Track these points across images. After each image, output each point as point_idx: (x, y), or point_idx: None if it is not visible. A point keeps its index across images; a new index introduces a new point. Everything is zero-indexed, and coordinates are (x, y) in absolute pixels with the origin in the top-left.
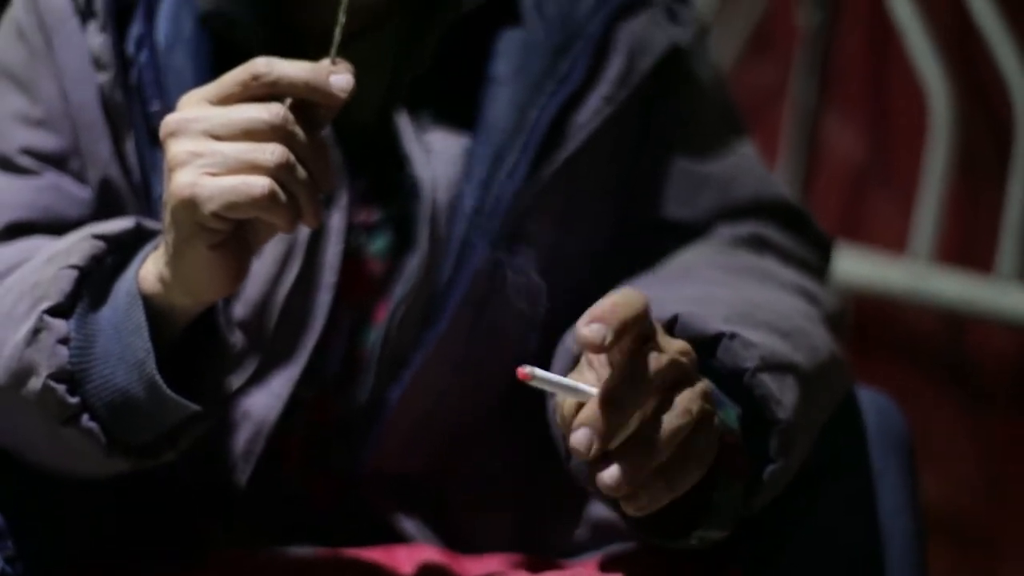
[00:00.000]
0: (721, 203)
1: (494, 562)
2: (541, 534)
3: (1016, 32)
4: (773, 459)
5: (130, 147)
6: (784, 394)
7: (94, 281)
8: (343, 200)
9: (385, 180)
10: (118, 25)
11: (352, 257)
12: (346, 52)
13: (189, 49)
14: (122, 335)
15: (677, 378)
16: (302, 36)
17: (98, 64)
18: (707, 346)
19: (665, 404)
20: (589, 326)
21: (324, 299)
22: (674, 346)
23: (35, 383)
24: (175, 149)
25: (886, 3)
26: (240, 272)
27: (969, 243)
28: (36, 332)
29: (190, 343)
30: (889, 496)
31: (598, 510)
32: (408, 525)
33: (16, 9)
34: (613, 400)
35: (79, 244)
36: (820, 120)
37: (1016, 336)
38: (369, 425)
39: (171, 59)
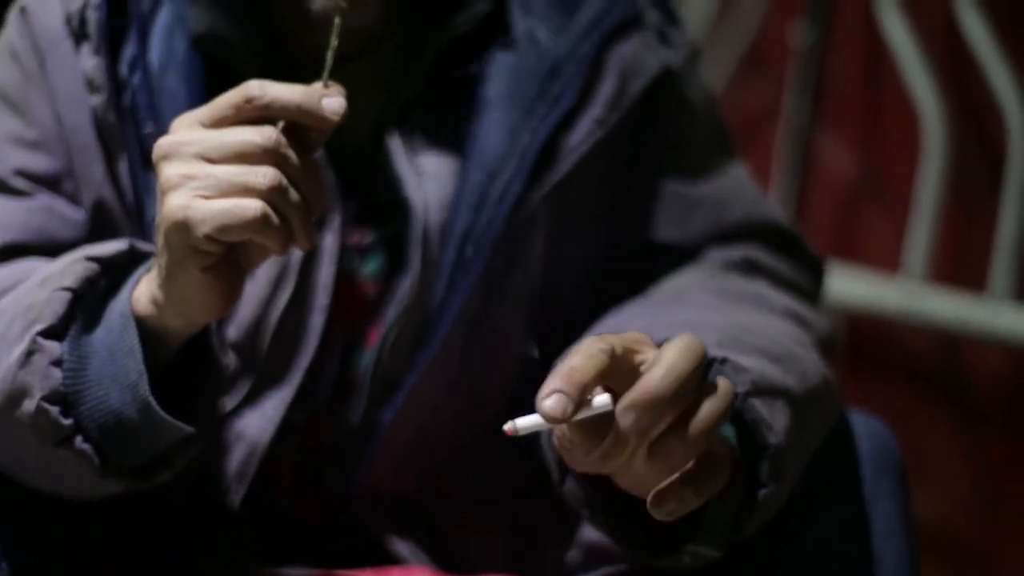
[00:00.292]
0: (713, 225)
1: None
2: (534, 556)
3: (1008, 51)
4: (764, 484)
5: (123, 169)
6: (775, 419)
7: (87, 303)
8: (336, 222)
9: (377, 202)
10: (111, 47)
11: (345, 279)
12: (339, 74)
13: (182, 71)
14: (116, 357)
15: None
16: (295, 58)
17: (91, 86)
18: None
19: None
20: (548, 399)
21: (317, 321)
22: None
23: (29, 405)
24: (168, 172)
25: (879, 22)
26: (233, 294)
27: (962, 262)
28: (29, 354)
29: (183, 364)
30: (882, 520)
31: (591, 532)
32: (401, 547)
33: (10, 31)
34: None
35: (72, 266)
36: (813, 139)
37: (1009, 356)
38: (362, 447)
39: (164, 81)
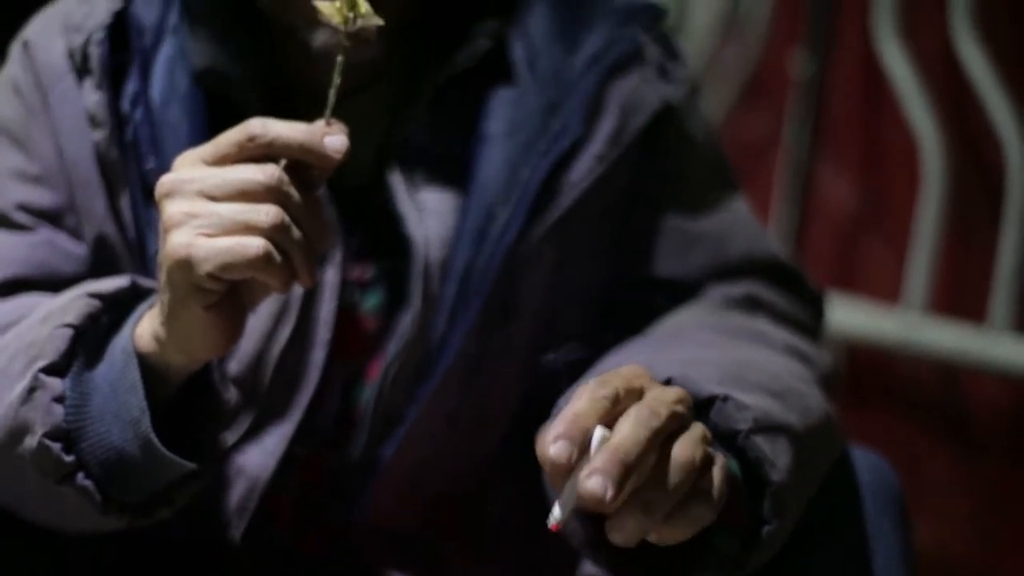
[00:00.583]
0: (713, 260)
1: None
2: None
3: (1007, 81)
4: (767, 520)
5: (125, 204)
6: (777, 456)
7: (89, 340)
8: (337, 257)
9: (378, 237)
10: (113, 82)
11: (346, 314)
12: (340, 110)
13: (184, 106)
14: (117, 393)
15: (676, 426)
16: (296, 92)
17: (94, 121)
18: (701, 408)
19: (667, 452)
20: (554, 445)
21: (318, 356)
22: (669, 395)
23: (30, 441)
24: (171, 209)
25: (878, 53)
26: (235, 332)
27: (962, 293)
28: (31, 391)
29: (185, 400)
30: (883, 555)
31: (591, 566)
32: None
33: (12, 66)
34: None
35: (74, 303)
36: (813, 169)
37: (1009, 386)
38: (363, 481)
39: (166, 116)
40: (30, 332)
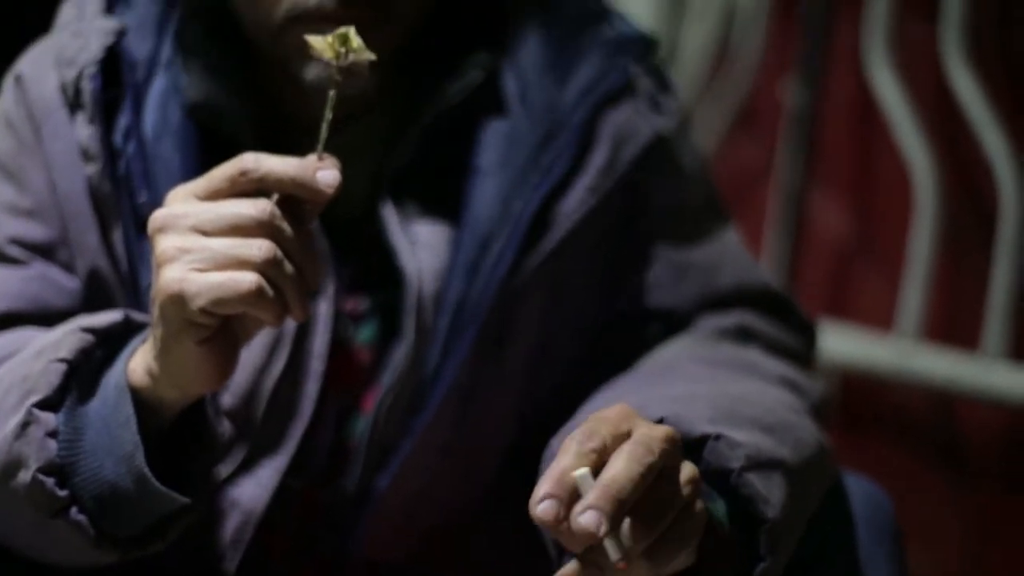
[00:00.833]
0: (704, 291)
1: None
2: None
3: (999, 109)
4: (762, 557)
5: (118, 237)
6: (771, 492)
7: (83, 374)
8: (330, 289)
9: (371, 269)
10: (106, 116)
11: (340, 346)
12: (332, 141)
13: (177, 139)
14: (111, 428)
15: (665, 464)
16: (289, 125)
17: (86, 155)
18: (693, 447)
19: (655, 489)
20: (541, 504)
21: (312, 388)
22: (659, 434)
23: (24, 476)
24: (163, 245)
25: (870, 81)
26: (228, 367)
27: (955, 321)
28: (25, 425)
29: (178, 433)
30: None
31: None
32: None
33: (5, 100)
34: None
35: (68, 337)
36: (806, 197)
37: (1003, 414)
38: (357, 513)
39: (159, 149)
40: (23, 367)
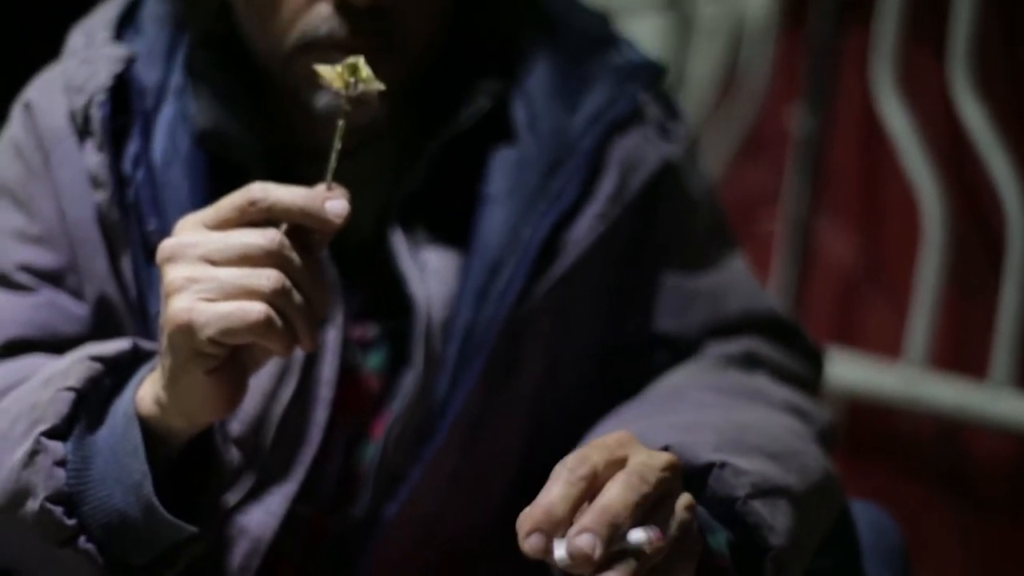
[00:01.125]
0: (712, 318)
1: None
2: None
3: (1006, 137)
4: None
5: (126, 264)
6: (777, 519)
7: (91, 403)
8: (339, 317)
9: (380, 296)
10: (115, 143)
11: (349, 373)
12: (341, 169)
13: (185, 166)
14: (119, 457)
15: (663, 492)
16: (298, 153)
17: (95, 183)
18: (699, 475)
19: (649, 517)
20: (528, 539)
21: (321, 415)
22: (658, 462)
23: (32, 505)
24: (172, 274)
25: (877, 108)
26: (237, 396)
27: (963, 349)
28: (33, 454)
29: (187, 461)
30: None
31: None
32: None
33: (14, 127)
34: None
35: (76, 366)
36: (813, 224)
37: (1010, 442)
38: (366, 540)
39: (167, 176)
40: (32, 395)
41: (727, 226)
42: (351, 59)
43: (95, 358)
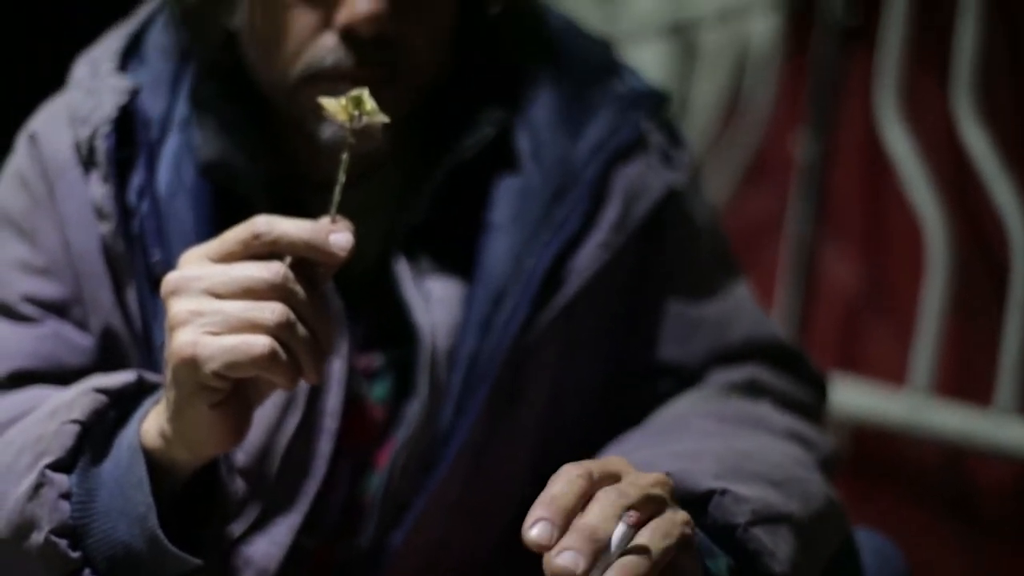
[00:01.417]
0: (715, 346)
1: None
2: None
3: (1010, 163)
4: None
5: (131, 296)
6: (778, 546)
7: (96, 435)
8: (344, 347)
9: (385, 326)
10: (119, 174)
11: (353, 403)
12: (345, 199)
13: (190, 198)
14: (124, 489)
15: (653, 508)
16: (303, 184)
17: (100, 214)
18: (700, 502)
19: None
20: (533, 528)
21: (325, 446)
22: (646, 480)
23: (37, 537)
24: (176, 308)
25: (881, 135)
26: (241, 429)
27: (967, 375)
28: (38, 487)
29: (191, 492)
30: None
31: None
32: None
33: (19, 158)
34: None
35: (81, 398)
36: (817, 251)
37: (1015, 469)
38: (371, 570)
39: (172, 208)
40: (37, 427)
41: (731, 253)
42: (355, 91)
43: (100, 390)
